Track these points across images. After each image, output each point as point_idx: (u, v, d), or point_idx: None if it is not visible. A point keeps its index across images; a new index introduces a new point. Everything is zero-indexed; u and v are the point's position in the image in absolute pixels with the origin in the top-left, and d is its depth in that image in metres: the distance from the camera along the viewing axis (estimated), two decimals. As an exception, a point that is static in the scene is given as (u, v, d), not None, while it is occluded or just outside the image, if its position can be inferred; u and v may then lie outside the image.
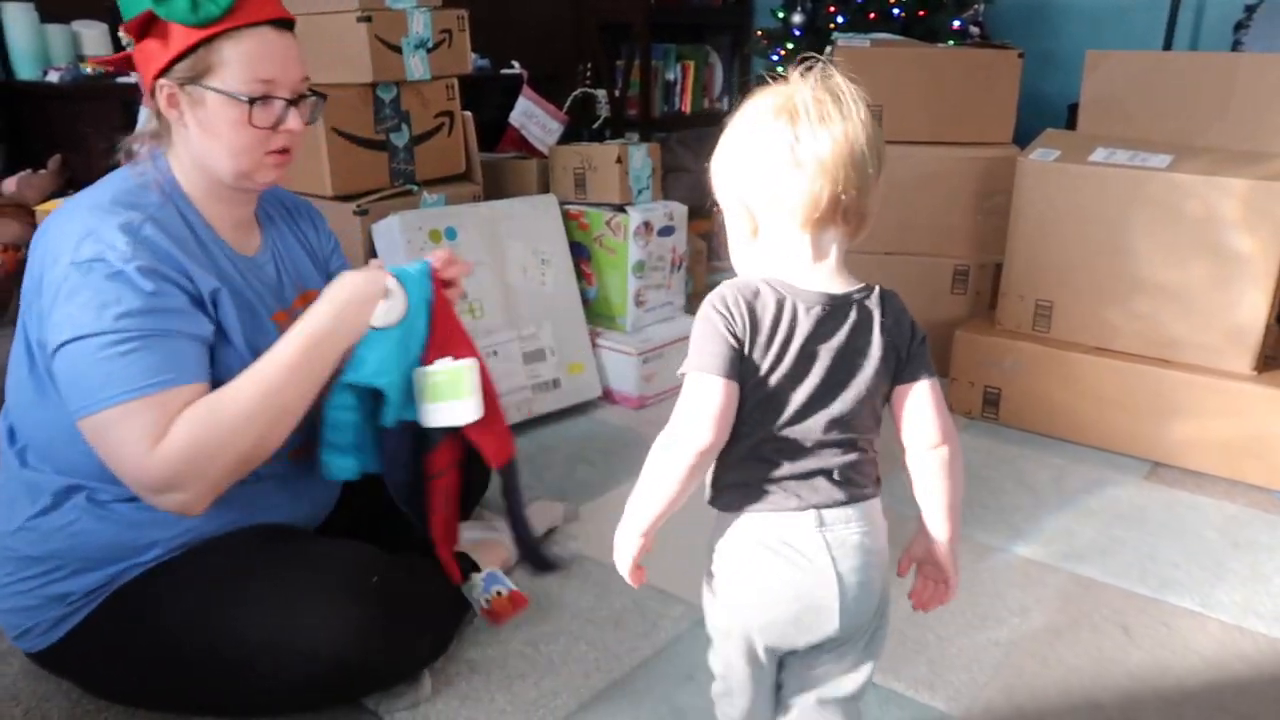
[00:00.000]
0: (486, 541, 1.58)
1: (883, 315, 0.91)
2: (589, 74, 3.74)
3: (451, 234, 2.11)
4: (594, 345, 2.33)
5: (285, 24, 1.20)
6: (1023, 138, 2.57)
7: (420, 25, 2.16)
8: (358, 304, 1.17)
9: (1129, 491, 1.94)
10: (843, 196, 0.86)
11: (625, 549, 0.96)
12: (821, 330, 0.88)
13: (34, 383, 1.16)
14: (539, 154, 2.74)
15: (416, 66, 2.18)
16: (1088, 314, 2.12)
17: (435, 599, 1.33)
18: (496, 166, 2.57)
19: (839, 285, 0.91)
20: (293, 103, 1.20)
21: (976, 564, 1.66)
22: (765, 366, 0.88)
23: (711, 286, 2.85)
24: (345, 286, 1.18)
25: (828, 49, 2.69)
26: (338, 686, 1.22)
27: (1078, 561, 1.68)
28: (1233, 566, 1.67)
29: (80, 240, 1.09)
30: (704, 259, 2.75)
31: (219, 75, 1.14)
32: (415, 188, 2.24)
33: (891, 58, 2.47)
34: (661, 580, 1.58)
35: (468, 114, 2.36)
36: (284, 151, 1.21)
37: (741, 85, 4.15)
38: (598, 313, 2.40)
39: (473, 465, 1.65)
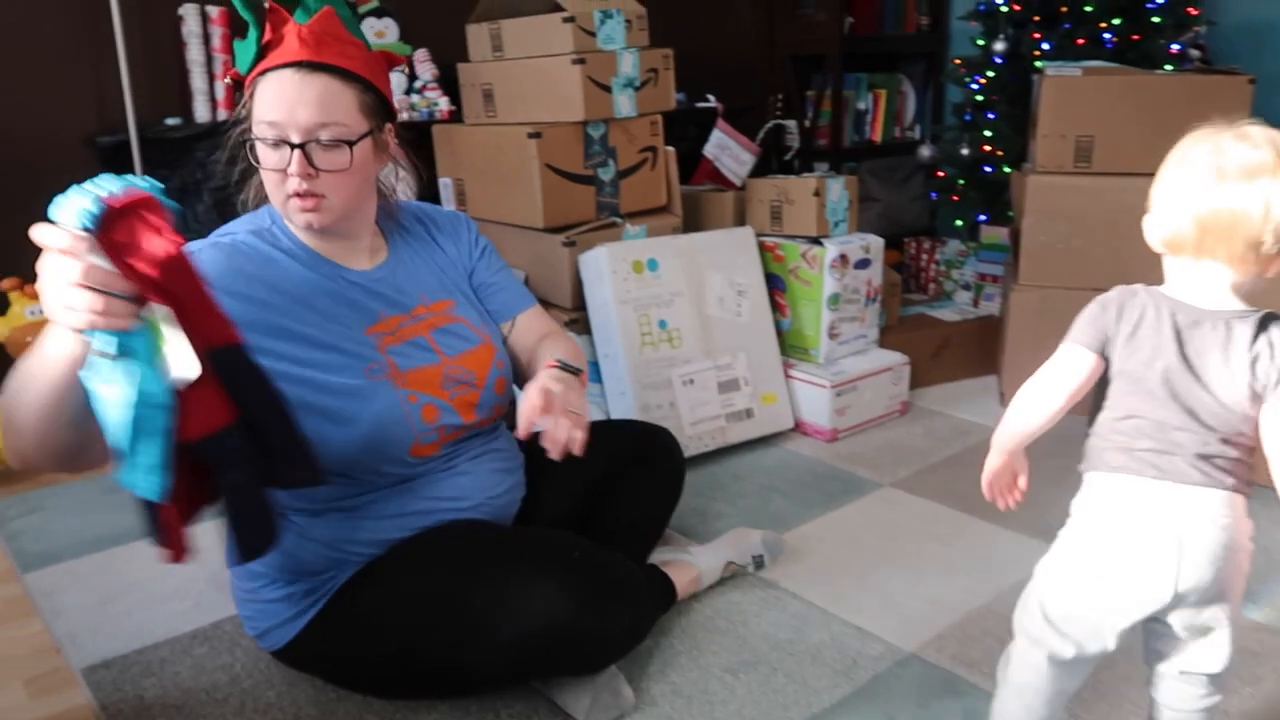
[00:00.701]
0: (677, 563, 1.62)
1: (1255, 335, 1.00)
2: (780, 105, 3.77)
3: (653, 265, 2.18)
4: (787, 376, 2.35)
5: (315, 66, 1.19)
6: (1253, 168, 2.40)
7: (629, 65, 2.26)
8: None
9: (1379, 556, 1.77)
10: (1209, 241, 1.00)
11: (989, 463, 1.18)
12: (1183, 336, 1.03)
13: None
14: (731, 185, 2.79)
15: (624, 104, 2.28)
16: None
17: (633, 581, 1.35)
18: (694, 199, 2.64)
19: (1215, 304, 1.02)
20: (300, 146, 1.18)
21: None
22: (1125, 354, 1.05)
23: (906, 320, 2.80)
24: None
25: (1034, 77, 2.62)
26: (548, 651, 1.23)
27: (1325, 632, 1.55)
28: None
29: None
30: (898, 291, 2.72)
31: (251, 119, 1.22)
32: (619, 220, 2.33)
33: (1104, 86, 2.38)
34: (862, 619, 1.57)
35: (670, 149, 2.44)
36: (308, 196, 1.20)
37: (934, 114, 4.07)
38: (791, 344, 2.42)
39: (651, 486, 1.65)
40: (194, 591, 1.67)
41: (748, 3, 3.76)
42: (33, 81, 2.44)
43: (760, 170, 3.15)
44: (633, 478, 1.60)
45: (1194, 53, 3.04)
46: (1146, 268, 2.33)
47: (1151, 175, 2.64)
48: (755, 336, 2.31)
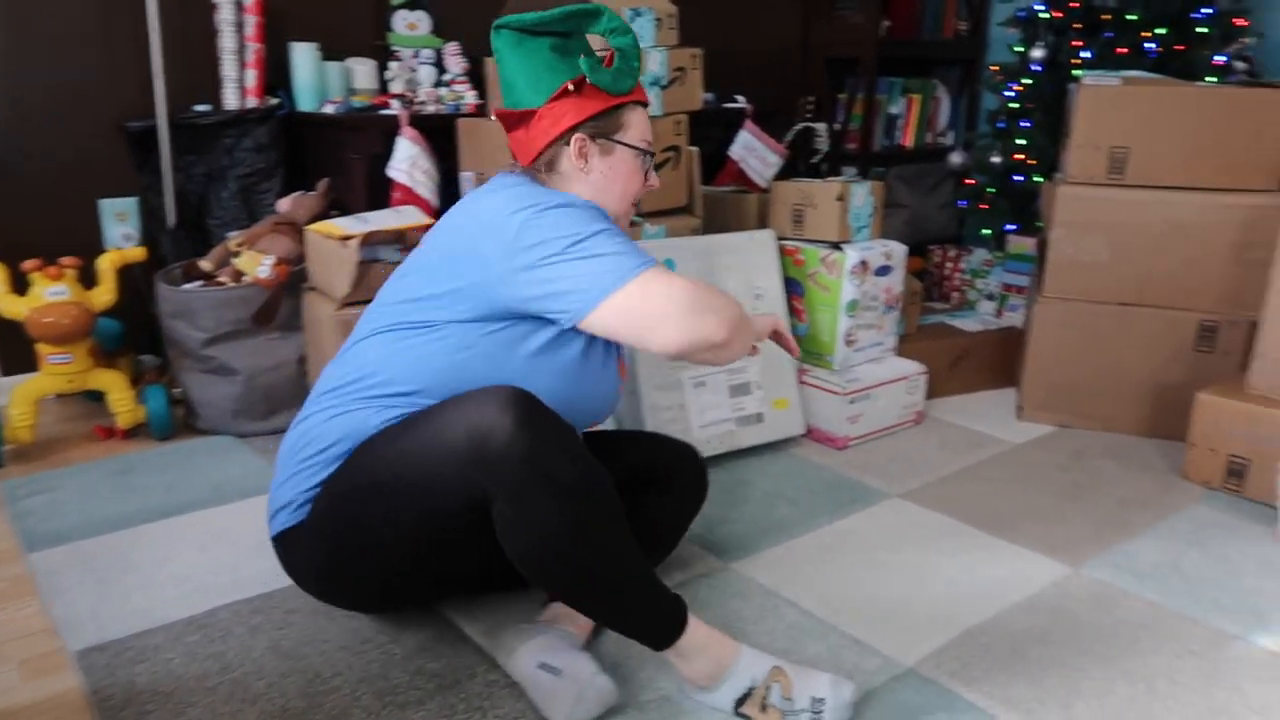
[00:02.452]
0: (719, 632, 1.40)
1: None
2: (811, 107, 3.74)
3: (671, 265, 2.16)
4: (801, 382, 2.32)
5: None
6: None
7: (657, 64, 2.25)
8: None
9: (1405, 590, 1.71)
10: None
11: None
12: None
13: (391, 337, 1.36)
14: (756, 188, 2.77)
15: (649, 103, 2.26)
16: (1363, 385, 1.90)
17: (581, 449, 1.26)
18: (717, 200, 2.62)
19: None
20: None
21: (1213, 653, 1.51)
22: None
23: (925, 329, 2.76)
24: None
25: (1070, 86, 2.56)
26: (497, 465, 1.18)
27: (1335, 664, 1.49)
28: None
29: (525, 199, 1.32)
30: (919, 299, 2.67)
31: (626, 133, 1.43)
32: (638, 219, 2.32)
33: (1143, 96, 2.32)
34: (860, 631, 1.55)
35: (694, 149, 2.42)
36: (635, 204, 1.50)
37: (968, 120, 4.01)
38: (806, 350, 2.39)
39: (669, 506, 1.61)
40: (193, 578, 1.68)
41: (785, 2, 3.73)
42: (64, 65, 2.48)
43: (788, 173, 3.12)
44: (650, 496, 1.58)
45: (1240, 65, 2.96)
46: (1175, 282, 2.29)
47: (1189, 189, 2.62)
48: (769, 341, 2.28)
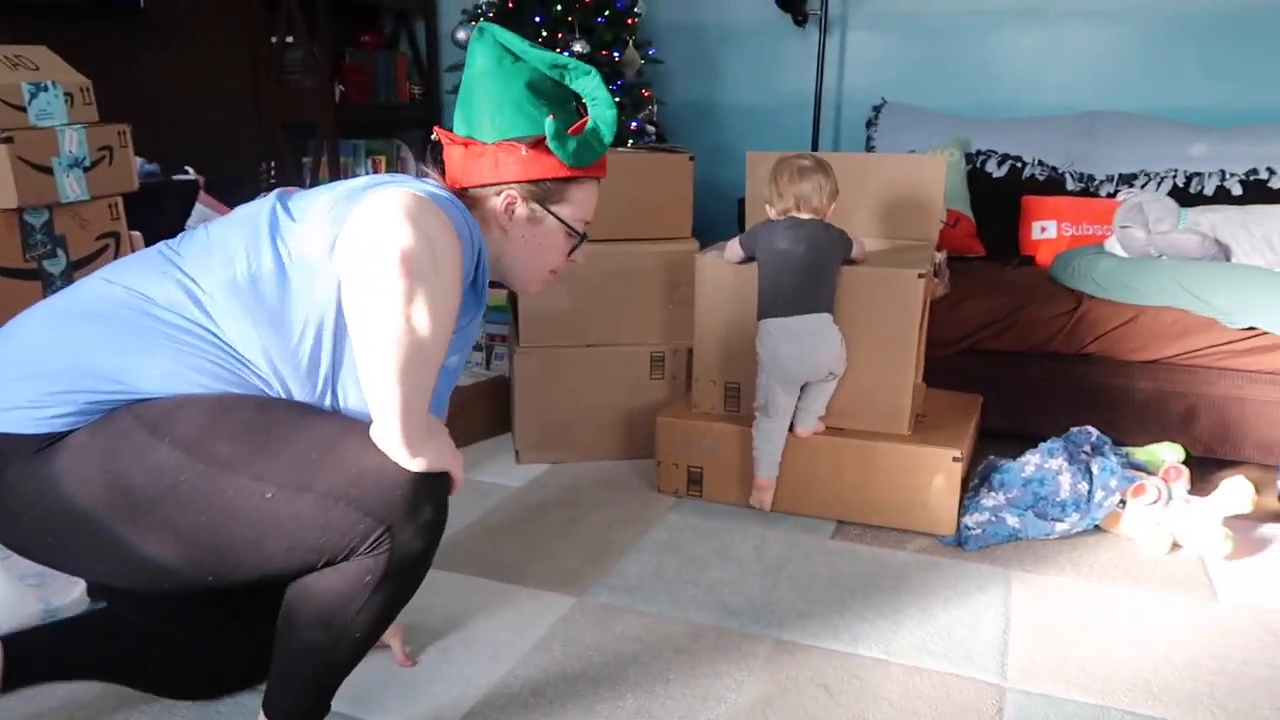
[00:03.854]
0: None
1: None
2: (273, 174, 3.62)
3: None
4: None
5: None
6: (706, 227, 2.81)
7: (73, 144, 2.00)
8: None
9: (819, 552, 2.13)
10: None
11: None
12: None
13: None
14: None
15: (72, 188, 2.01)
16: (770, 392, 2.33)
17: None
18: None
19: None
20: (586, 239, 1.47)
21: (693, 645, 1.75)
22: None
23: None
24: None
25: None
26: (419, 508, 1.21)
27: (780, 627, 1.82)
28: (908, 611, 1.88)
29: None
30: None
31: (564, 208, 1.38)
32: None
33: (576, 161, 2.61)
34: (349, 706, 1.52)
35: (136, 234, 2.20)
36: (554, 272, 1.47)
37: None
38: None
39: None
40: None
41: (229, 70, 3.56)
42: None
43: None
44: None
45: (650, 129, 3.48)
46: (627, 321, 2.61)
47: (627, 240, 2.96)
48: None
